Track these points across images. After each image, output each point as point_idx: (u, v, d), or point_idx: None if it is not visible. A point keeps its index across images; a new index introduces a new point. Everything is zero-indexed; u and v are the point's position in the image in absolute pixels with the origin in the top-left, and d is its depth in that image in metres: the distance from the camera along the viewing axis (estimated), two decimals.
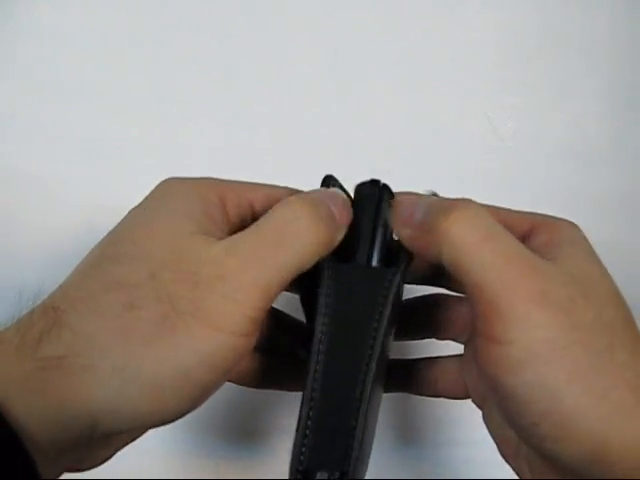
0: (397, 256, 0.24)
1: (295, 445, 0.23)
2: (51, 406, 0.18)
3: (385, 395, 0.30)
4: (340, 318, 0.23)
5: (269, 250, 0.21)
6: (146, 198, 0.24)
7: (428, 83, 0.41)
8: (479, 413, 0.28)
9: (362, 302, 0.23)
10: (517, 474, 0.26)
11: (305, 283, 0.24)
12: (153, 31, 0.40)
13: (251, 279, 0.20)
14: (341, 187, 0.25)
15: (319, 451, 0.23)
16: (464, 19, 0.42)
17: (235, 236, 0.21)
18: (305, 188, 0.37)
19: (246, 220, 0.24)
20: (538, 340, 0.19)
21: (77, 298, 0.20)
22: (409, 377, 0.30)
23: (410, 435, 0.39)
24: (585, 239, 0.23)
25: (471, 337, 0.26)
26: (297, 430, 0.23)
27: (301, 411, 0.23)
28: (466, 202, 0.22)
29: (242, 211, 0.24)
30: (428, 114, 0.40)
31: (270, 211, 0.22)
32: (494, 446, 0.27)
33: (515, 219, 0.24)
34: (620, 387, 0.20)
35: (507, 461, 0.26)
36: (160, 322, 0.19)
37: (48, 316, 0.20)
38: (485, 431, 0.27)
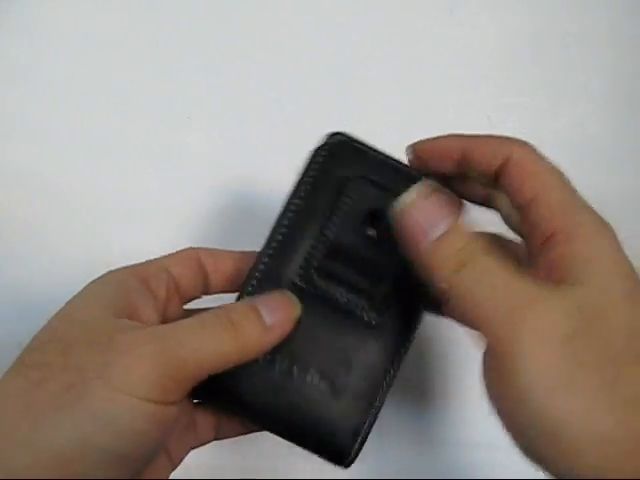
0: None
1: (244, 282, 0.27)
2: None
3: (402, 398, 0.29)
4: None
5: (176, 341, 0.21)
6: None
7: (428, 83, 0.41)
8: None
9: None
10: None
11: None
12: (152, 30, 0.40)
13: (159, 351, 0.21)
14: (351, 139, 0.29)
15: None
16: (464, 19, 0.42)
17: (150, 328, 0.22)
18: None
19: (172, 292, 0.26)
20: (540, 374, 0.19)
21: None
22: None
23: (427, 436, 0.39)
24: (614, 249, 0.21)
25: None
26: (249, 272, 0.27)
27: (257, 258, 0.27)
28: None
29: (167, 284, 0.26)
30: (428, 114, 0.40)
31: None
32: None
33: (545, 215, 0.22)
34: (621, 427, 0.19)
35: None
36: (65, 391, 0.20)
37: None
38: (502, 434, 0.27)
